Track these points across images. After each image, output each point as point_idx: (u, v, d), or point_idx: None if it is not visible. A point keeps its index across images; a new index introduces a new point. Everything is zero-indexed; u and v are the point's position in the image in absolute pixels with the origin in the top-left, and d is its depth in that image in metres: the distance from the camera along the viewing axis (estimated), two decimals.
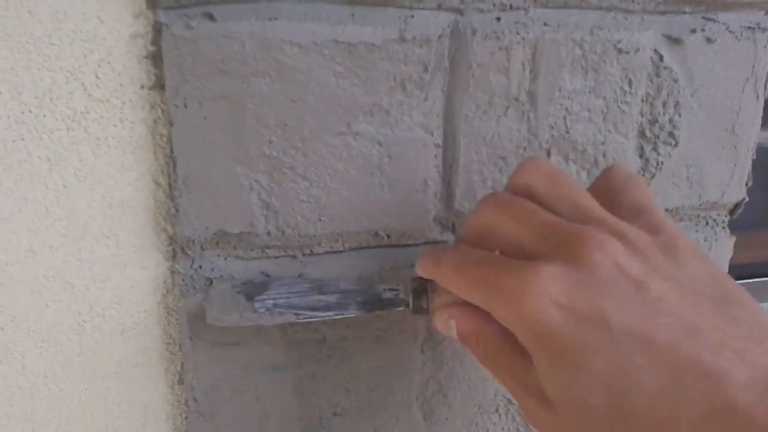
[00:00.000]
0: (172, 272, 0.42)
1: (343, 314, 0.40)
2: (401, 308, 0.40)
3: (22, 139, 0.37)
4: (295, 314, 0.39)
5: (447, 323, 0.37)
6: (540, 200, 0.35)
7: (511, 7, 0.42)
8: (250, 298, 0.39)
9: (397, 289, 0.40)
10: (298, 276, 0.43)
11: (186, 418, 0.45)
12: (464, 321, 0.36)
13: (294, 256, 0.44)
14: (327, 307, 0.40)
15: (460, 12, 0.41)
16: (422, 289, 0.39)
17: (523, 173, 0.37)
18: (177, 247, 0.41)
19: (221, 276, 0.42)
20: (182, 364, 0.44)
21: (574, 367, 0.29)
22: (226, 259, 0.42)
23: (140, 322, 0.43)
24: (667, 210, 0.51)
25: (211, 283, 0.41)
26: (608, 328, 0.29)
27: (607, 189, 0.37)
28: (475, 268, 0.34)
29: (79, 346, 0.42)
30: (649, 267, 0.31)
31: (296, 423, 0.46)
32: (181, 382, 0.45)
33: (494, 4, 0.41)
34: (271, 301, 0.39)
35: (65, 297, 0.41)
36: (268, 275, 0.43)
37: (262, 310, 0.39)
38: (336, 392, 0.46)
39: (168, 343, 0.44)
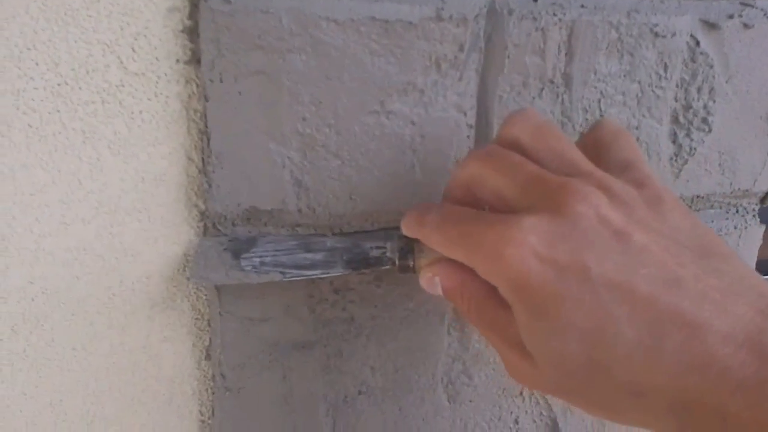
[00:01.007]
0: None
1: (329, 273, 0.39)
2: (387, 267, 0.39)
3: (58, 111, 0.37)
4: (282, 272, 0.39)
5: (432, 281, 0.37)
6: (527, 152, 0.34)
7: None
8: (236, 255, 0.39)
9: (384, 247, 0.39)
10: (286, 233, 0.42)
11: (213, 393, 0.46)
12: (448, 278, 0.36)
13: (324, 235, 0.44)
14: (313, 266, 0.39)
15: None
16: (408, 248, 0.38)
17: (511, 125, 0.36)
18: (208, 223, 0.41)
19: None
20: (210, 339, 0.44)
21: (552, 318, 0.29)
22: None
23: (169, 296, 0.43)
24: (698, 197, 0.50)
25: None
26: (589, 279, 0.29)
27: (595, 143, 0.36)
28: (457, 225, 0.33)
29: (109, 319, 0.42)
30: (632, 219, 0.30)
31: (322, 400, 0.46)
32: (208, 357, 0.45)
33: None
34: (258, 259, 0.39)
35: (96, 270, 0.41)
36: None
37: (249, 267, 0.38)
38: (362, 371, 0.46)
39: (196, 319, 0.44)
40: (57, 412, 0.44)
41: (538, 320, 0.30)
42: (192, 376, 0.46)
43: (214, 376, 0.45)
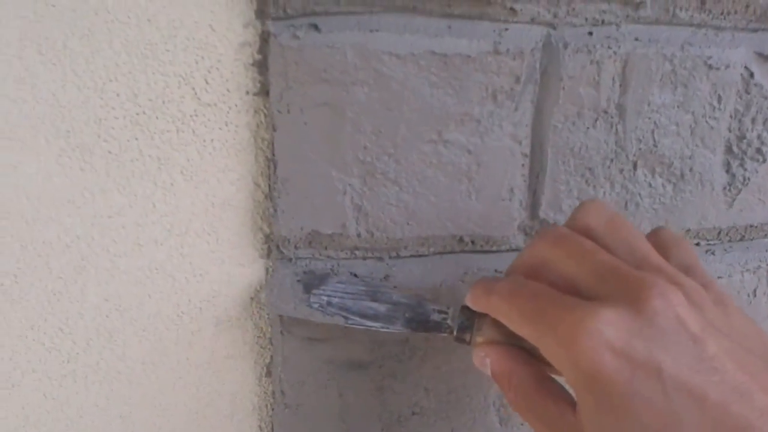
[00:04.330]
0: (267, 269, 0.44)
1: (388, 328, 0.41)
2: (445, 334, 0.40)
3: (136, 139, 0.39)
4: (344, 317, 0.40)
5: (483, 361, 0.38)
6: (598, 241, 0.35)
7: (603, 22, 0.42)
8: (308, 289, 0.41)
9: (446, 313, 0.40)
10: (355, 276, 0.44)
11: (272, 409, 0.47)
12: (498, 362, 0.37)
13: (381, 258, 0.45)
14: (376, 317, 0.40)
15: (552, 26, 0.42)
16: (469, 322, 0.39)
17: (584, 213, 0.37)
18: (272, 246, 0.43)
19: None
20: (271, 357, 0.46)
21: (621, 414, 0.29)
22: (317, 258, 0.44)
23: (234, 315, 0.45)
24: (751, 226, 0.51)
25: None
26: (662, 380, 0.29)
27: (656, 246, 0.36)
28: (530, 300, 0.33)
29: (176, 335, 0.44)
30: (707, 322, 0.30)
31: (376, 420, 0.47)
32: (268, 374, 0.47)
33: (586, 19, 0.42)
34: (326, 298, 0.41)
35: (166, 289, 0.43)
36: (355, 275, 0.44)
37: (316, 305, 0.40)
38: (416, 392, 0.47)
39: (258, 337, 0.46)
40: (126, 423, 0.46)
41: (604, 414, 0.30)
42: (253, 392, 0.48)
43: (274, 392, 0.46)
